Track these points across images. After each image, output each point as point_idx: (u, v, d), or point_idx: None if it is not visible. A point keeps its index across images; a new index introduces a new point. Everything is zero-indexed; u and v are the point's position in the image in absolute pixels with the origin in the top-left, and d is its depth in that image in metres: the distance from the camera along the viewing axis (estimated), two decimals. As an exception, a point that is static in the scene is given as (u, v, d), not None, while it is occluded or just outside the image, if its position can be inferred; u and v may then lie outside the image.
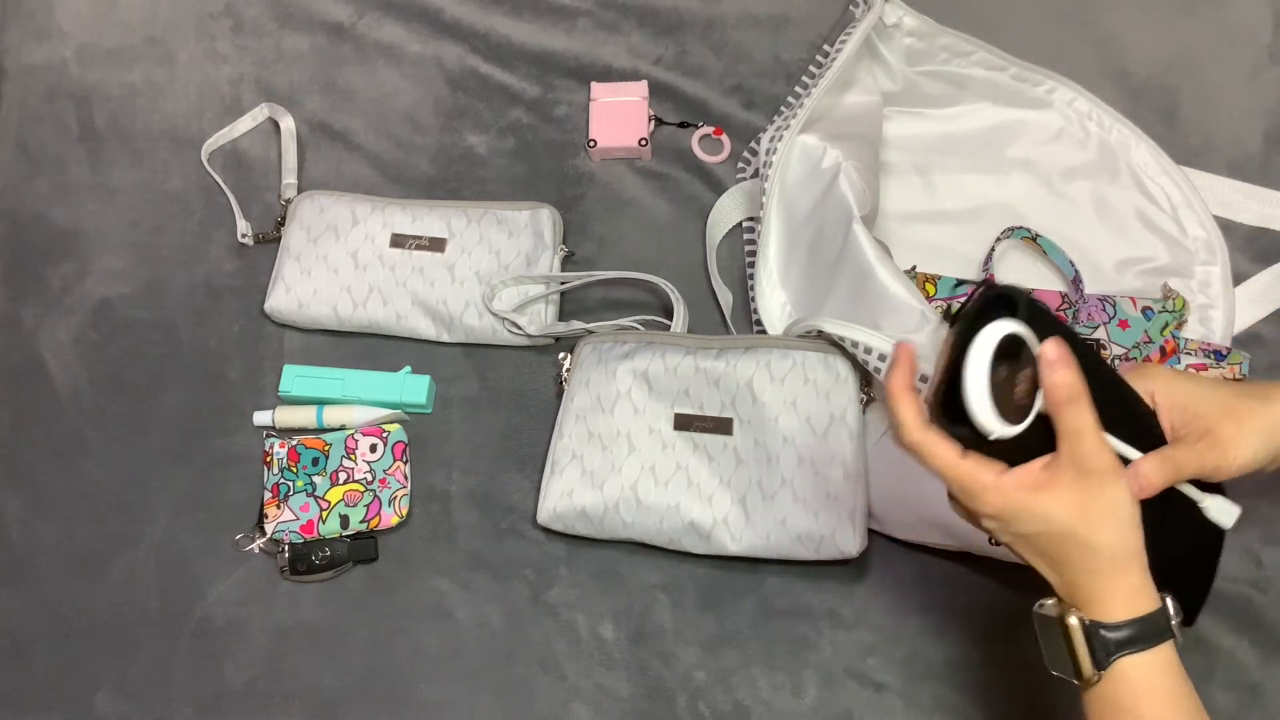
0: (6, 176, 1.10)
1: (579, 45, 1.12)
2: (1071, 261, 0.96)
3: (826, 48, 1.07)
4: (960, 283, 0.97)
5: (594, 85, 1.09)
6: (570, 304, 1.01)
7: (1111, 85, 1.07)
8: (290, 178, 1.07)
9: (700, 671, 0.87)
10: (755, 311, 0.96)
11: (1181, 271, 0.99)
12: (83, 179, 1.09)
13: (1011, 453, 0.57)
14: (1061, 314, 0.95)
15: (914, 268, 0.98)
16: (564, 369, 0.94)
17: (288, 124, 1.09)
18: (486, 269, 0.99)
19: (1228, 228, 1.00)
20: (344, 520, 0.92)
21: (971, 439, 0.56)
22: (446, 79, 1.12)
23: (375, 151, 1.09)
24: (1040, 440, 0.57)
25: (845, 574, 0.89)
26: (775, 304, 0.95)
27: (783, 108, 1.07)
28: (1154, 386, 0.65)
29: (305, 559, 0.91)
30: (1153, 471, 0.61)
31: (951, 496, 0.60)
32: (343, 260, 1.00)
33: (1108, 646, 0.55)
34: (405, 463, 0.94)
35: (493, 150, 1.09)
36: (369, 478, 0.93)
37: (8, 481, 0.97)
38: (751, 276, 0.97)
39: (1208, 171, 1.03)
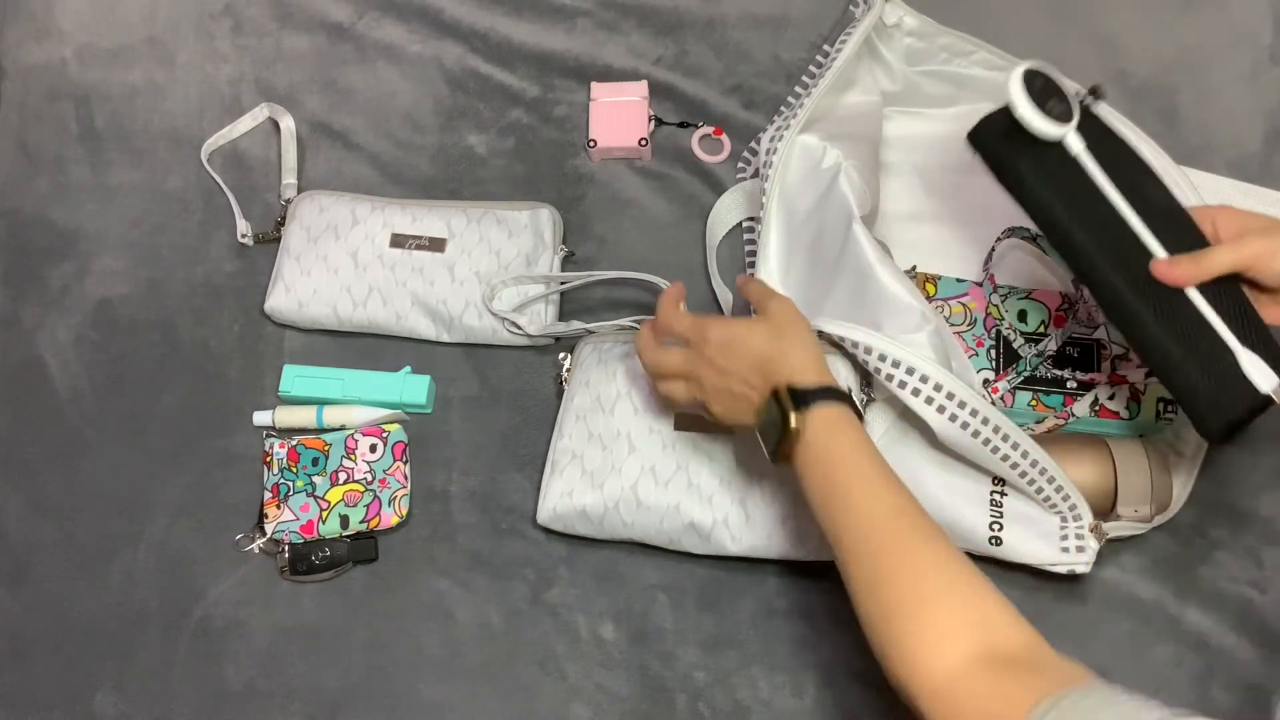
0: (6, 176, 1.10)
1: (579, 45, 1.12)
2: (1071, 261, 0.96)
3: (827, 47, 1.07)
4: (960, 281, 0.97)
5: (594, 85, 1.09)
6: (570, 304, 1.01)
7: (1111, 85, 1.07)
8: (290, 178, 1.07)
9: (700, 671, 0.87)
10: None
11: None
12: (83, 179, 1.09)
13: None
14: (1061, 314, 0.95)
15: (914, 267, 0.98)
16: (564, 369, 0.94)
17: (288, 124, 1.09)
18: (486, 269, 0.99)
19: (1228, 228, 1.00)
20: (344, 520, 0.92)
21: None
22: (446, 79, 1.12)
23: (375, 151, 1.09)
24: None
25: (845, 574, 0.89)
26: None
27: (783, 107, 1.07)
28: (1215, 215, 0.73)
29: (305, 559, 0.91)
30: (1181, 263, 0.70)
31: (661, 382, 0.79)
32: (343, 260, 1.00)
33: (807, 398, 0.70)
34: (405, 463, 0.94)
35: (493, 150, 1.09)
36: (369, 478, 0.93)
37: (8, 481, 0.97)
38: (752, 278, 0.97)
39: (1208, 171, 1.03)
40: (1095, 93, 0.74)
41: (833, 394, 0.71)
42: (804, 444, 0.70)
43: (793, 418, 0.70)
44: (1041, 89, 0.69)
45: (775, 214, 0.95)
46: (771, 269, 0.95)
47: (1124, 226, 0.71)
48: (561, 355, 0.95)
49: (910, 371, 0.80)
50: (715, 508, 0.86)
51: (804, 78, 1.05)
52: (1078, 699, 0.53)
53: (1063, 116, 0.71)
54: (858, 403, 0.73)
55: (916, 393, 0.80)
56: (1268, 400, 0.68)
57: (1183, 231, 0.72)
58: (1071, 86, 0.73)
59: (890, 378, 0.81)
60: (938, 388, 0.79)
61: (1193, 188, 1.00)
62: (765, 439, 0.73)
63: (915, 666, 0.59)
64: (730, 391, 0.75)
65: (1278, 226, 0.74)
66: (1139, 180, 0.73)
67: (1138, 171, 0.74)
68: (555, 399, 0.97)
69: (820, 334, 0.87)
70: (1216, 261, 0.71)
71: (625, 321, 0.95)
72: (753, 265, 0.97)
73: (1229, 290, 0.72)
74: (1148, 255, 0.71)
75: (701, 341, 0.76)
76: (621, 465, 0.88)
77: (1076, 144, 0.70)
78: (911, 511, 0.66)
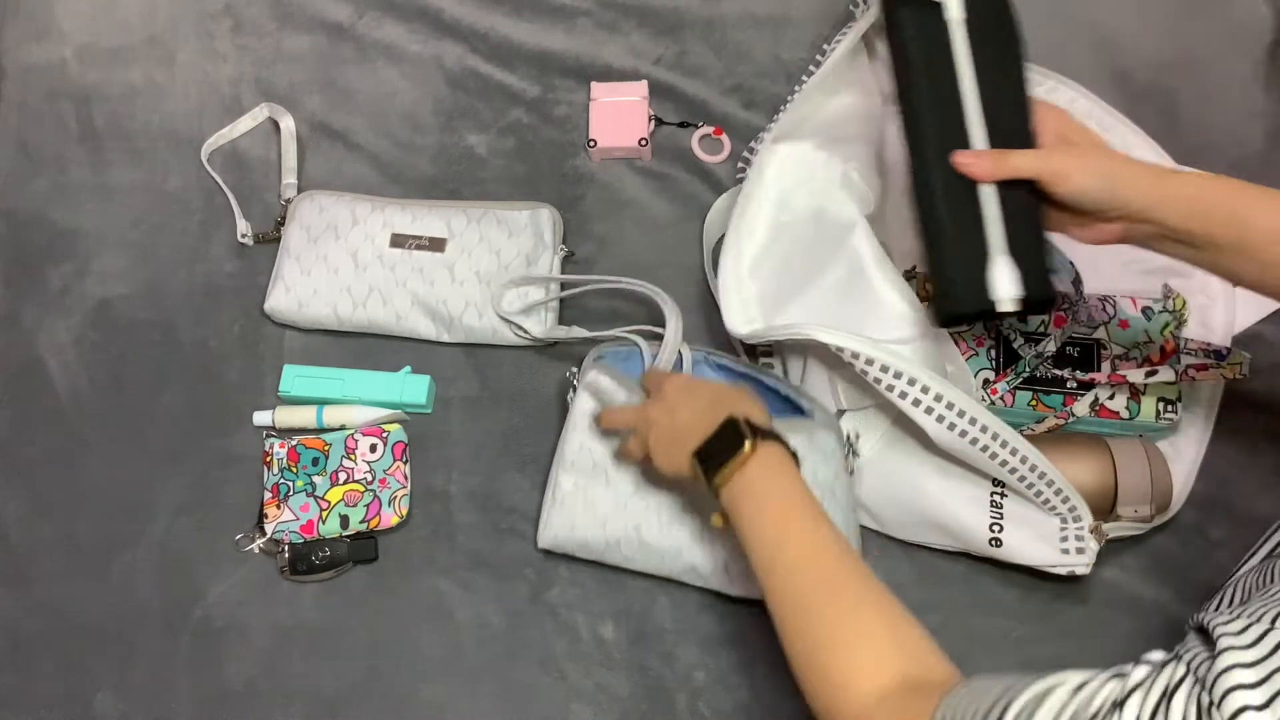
0: (6, 176, 1.10)
1: (579, 45, 1.12)
2: (1072, 262, 0.96)
3: (826, 47, 1.07)
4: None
5: (594, 85, 1.09)
6: (570, 307, 1.01)
7: (1111, 85, 1.07)
8: (290, 178, 1.07)
9: (700, 671, 0.87)
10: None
11: (1181, 271, 0.99)
12: (83, 179, 1.09)
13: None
14: (1061, 314, 0.95)
15: (914, 268, 0.98)
16: (572, 384, 0.91)
17: (288, 124, 1.09)
18: (486, 269, 0.99)
19: (1228, 228, 1.00)
20: (344, 520, 0.92)
21: None
22: (446, 79, 1.12)
23: (375, 151, 1.09)
24: None
25: (845, 574, 0.89)
26: (738, 298, 0.93)
27: (782, 107, 1.07)
28: (1045, 115, 0.74)
29: (305, 559, 0.91)
30: (983, 159, 0.73)
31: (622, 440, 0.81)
32: (343, 260, 1.00)
33: (761, 433, 0.71)
34: (405, 463, 0.94)
35: (493, 150, 1.09)
36: (369, 478, 0.93)
37: (8, 481, 0.97)
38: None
39: (1208, 171, 1.03)
40: None
41: (783, 441, 0.73)
42: (744, 474, 0.70)
43: (747, 441, 0.70)
44: None
45: (762, 212, 0.94)
46: (743, 260, 0.93)
47: (959, 107, 0.71)
48: (570, 371, 0.93)
49: (909, 381, 0.80)
50: (718, 552, 0.86)
51: (803, 78, 1.05)
52: (956, 688, 0.56)
53: None
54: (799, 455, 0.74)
55: (917, 403, 0.80)
56: (993, 308, 0.71)
57: (1015, 125, 0.72)
58: None
59: (890, 387, 0.81)
60: (935, 396, 0.80)
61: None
62: (708, 462, 0.72)
63: (840, 697, 0.60)
64: (674, 429, 0.75)
65: (1092, 147, 0.74)
66: (1002, 62, 0.72)
67: (1006, 53, 0.73)
68: (555, 399, 0.97)
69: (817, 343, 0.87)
70: (1013, 165, 0.72)
71: (621, 332, 0.93)
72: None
73: (1024, 195, 0.73)
74: (966, 141, 0.72)
75: (659, 388, 0.79)
76: (626, 502, 0.87)
77: (956, 11, 0.69)
78: (843, 550, 0.67)
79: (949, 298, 0.73)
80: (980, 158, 0.73)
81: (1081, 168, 0.71)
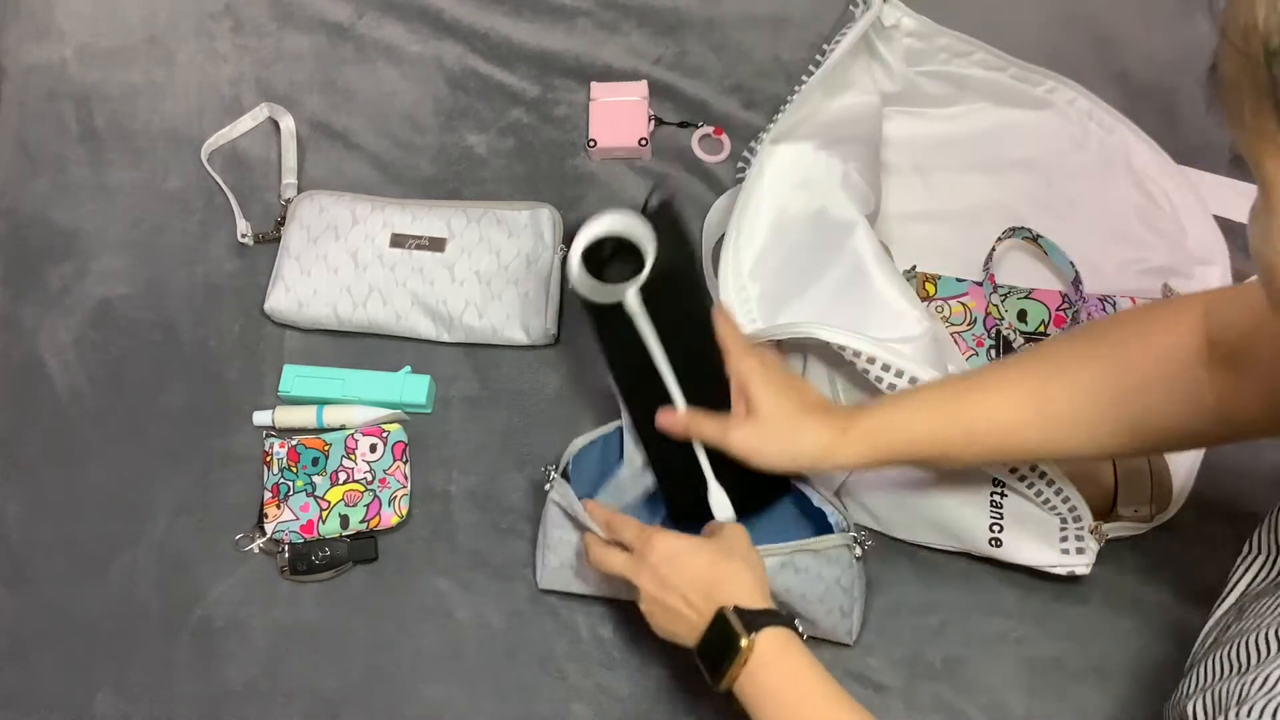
0: (6, 176, 1.10)
1: (579, 45, 1.12)
2: (1072, 262, 0.96)
3: (826, 46, 1.07)
4: (960, 281, 0.97)
5: (594, 85, 1.09)
6: (570, 304, 1.01)
7: (1111, 85, 1.07)
8: (290, 178, 1.07)
9: (700, 671, 0.87)
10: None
11: (1181, 271, 0.99)
12: (83, 179, 1.09)
13: None
14: (1061, 314, 0.95)
15: (914, 267, 0.98)
16: (547, 478, 0.86)
17: (288, 124, 1.09)
18: (486, 269, 0.99)
19: (1228, 228, 1.00)
20: (344, 520, 0.92)
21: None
22: (446, 79, 1.12)
23: (375, 151, 1.09)
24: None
25: (845, 574, 0.89)
26: (739, 298, 0.92)
27: (783, 107, 1.07)
28: (735, 370, 0.79)
29: (305, 559, 0.91)
30: (678, 423, 0.79)
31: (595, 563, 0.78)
32: (343, 260, 1.00)
33: (755, 621, 0.69)
34: (405, 463, 0.94)
35: (493, 150, 1.09)
36: (369, 478, 0.93)
37: (8, 481, 0.97)
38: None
39: (1208, 171, 1.03)
40: (662, 205, 0.79)
41: (778, 618, 0.71)
42: (750, 668, 0.69)
43: (743, 639, 0.68)
44: (613, 250, 0.76)
45: (763, 212, 0.94)
46: (742, 260, 0.93)
47: (658, 376, 0.79)
48: (545, 468, 0.87)
49: (911, 380, 0.80)
50: None
51: (803, 77, 1.05)
52: None
53: (624, 275, 0.76)
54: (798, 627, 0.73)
55: None
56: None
57: (708, 386, 0.79)
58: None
59: (892, 386, 0.81)
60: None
61: (1193, 188, 1.00)
62: (708, 662, 0.71)
63: None
64: (666, 606, 0.73)
65: (776, 419, 0.77)
66: (692, 325, 0.79)
67: (694, 314, 0.80)
68: (555, 399, 0.97)
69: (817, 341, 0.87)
70: (700, 433, 0.79)
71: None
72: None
73: None
74: (668, 402, 0.80)
75: (646, 549, 0.75)
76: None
77: (635, 304, 0.76)
78: None
79: (686, 517, 0.83)
80: (675, 422, 0.79)
81: (759, 450, 0.76)
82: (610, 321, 0.77)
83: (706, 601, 0.72)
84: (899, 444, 0.75)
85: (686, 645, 0.74)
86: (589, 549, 0.80)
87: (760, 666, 0.68)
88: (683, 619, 0.73)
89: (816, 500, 0.84)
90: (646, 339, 0.77)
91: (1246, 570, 0.71)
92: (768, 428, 0.77)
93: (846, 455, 0.76)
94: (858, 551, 0.82)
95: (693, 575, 0.73)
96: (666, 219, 0.78)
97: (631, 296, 0.76)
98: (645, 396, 0.80)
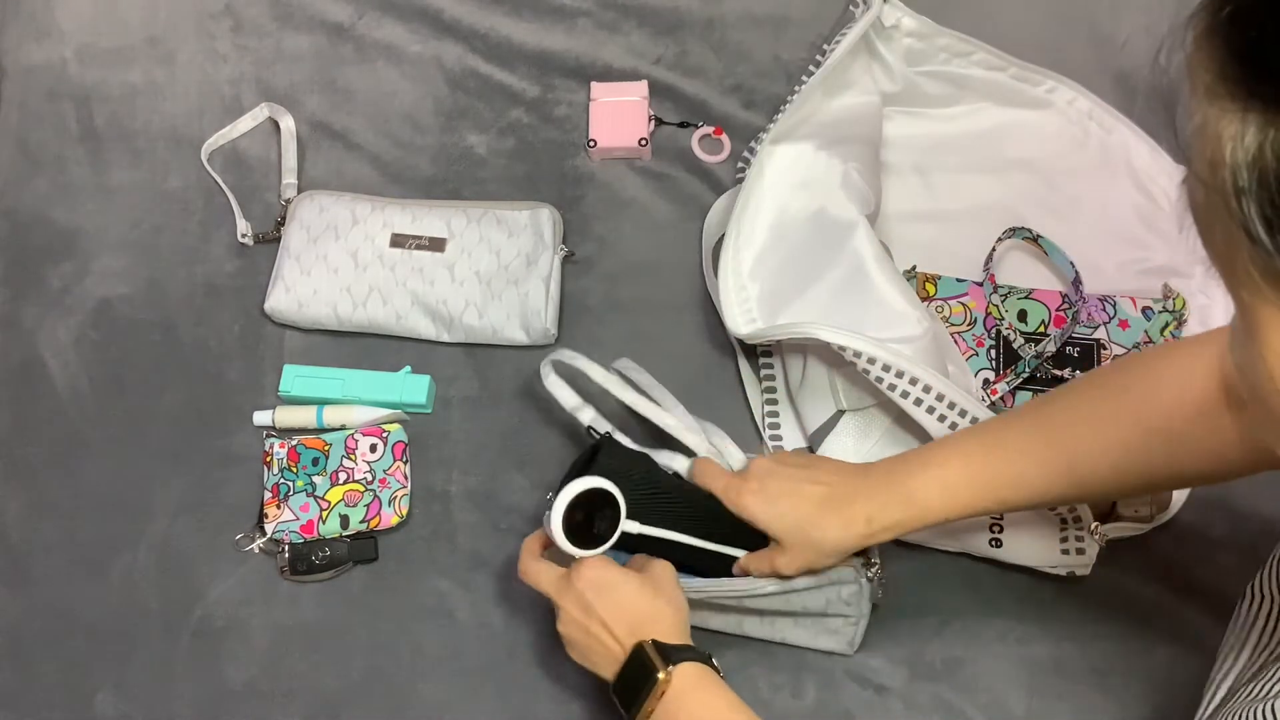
0: (6, 176, 1.10)
1: (579, 45, 1.12)
2: (1072, 263, 0.96)
3: (826, 46, 1.07)
4: (960, 281, 0.97)
5: (594, 85, 1.09)
6: (570, 305, 1.01)
7: (1111, 85, 1.07)
8: (290, 178, 1.07)
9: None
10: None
11: (1182, 271, 0.99)
12: (83, 179, 1.09)
13: None
14: (1061, 314, 0.95)
15: (914, 267, 0.98)
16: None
17: (288, 124, 1.09)
18: (486, 269, 0.99)
19: (1228, 228, 1.00)
20: (344, 520, 0.92)
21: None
22: (446, 79, 1.12)
23: (375, 151, 1.09)
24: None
25: (845, 574, 0.89)
26: (738, 298, 0.92)
27: (783, 107, 1.07)
28: (751, 508, 0.79)
29: (305, 559, 0.91)
30: (747, 563, 0.81)
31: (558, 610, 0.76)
32: (343, 260, 1.00)
33: (673, 655, 0.70)
34: (405, 463, 0.94)
35: (493, 150, 1.09)
36: (369, 478, 0.93)
37: (8, 481, 0.97)
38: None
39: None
40: (600, 444, 0.83)
41: (696, 653, 0.71)
42: (667, 702, 0.69)
43: (660, 671, 0.69)
44: (586, 509, 0.75)
45: (757, 214, 0.94)
46: (743, 259, 0.93)
47: (699, 551, 0.81)
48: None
49: (911, 380, 0.80)
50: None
51: (803, 77, 1.05)
52: None
53: (609, 516, 0.76)
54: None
55: (919, 402, 0.80)
56: None
57: (740, 525, 0.80)
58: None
59: (892, 386, 0.81)
60: (937, 395, 0.80)
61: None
62: (624, 696, 0.72)
63: None
64: (588, 632, 0.73)
65: (793, 538, 0.78)
66: (685, 501, 0.81)
67: (680, 493, 0.82)
68: (555, 399, 0.97)
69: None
70: (758, 571, 0.80)
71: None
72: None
73: None
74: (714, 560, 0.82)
75: (577, 569, 0.74)
76: None
77: (633, 528, 0.77)
78: None
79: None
80: (748, 564, 0.81)
81: (812, 565, 0.78)
82: (631, 545, 0.79)
83: (629, 634, 0.72)
84: (931, 524, 0.76)
85: (602, 676, 0.74)
86: (521, 558, 0.78)
87: (676, 699, 0.69)
88: (601, 648, 0.73)
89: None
90: (664, 537, 0.79)
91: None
92: (797, 553, 0.78)
93: (879, 540, 0.77)
94: (868, 573, 0.81)
95: (617, 606, 0.72)
96: (611, 455, 0.81)
97: (629, 527, 0.77)
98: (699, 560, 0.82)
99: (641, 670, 0.70)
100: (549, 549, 0.78)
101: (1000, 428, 0.76)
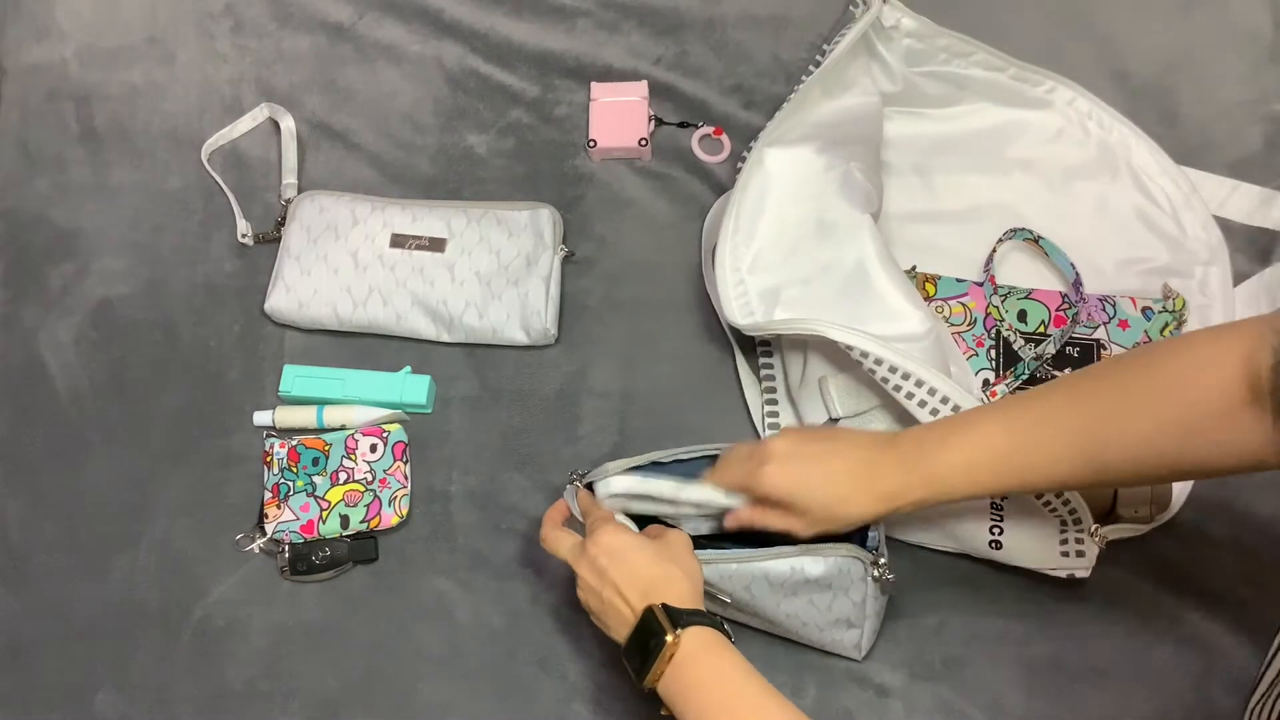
0: (6, 176, 1.10)
1: (579, 45, 1.12)
2: (1073, 264, 0.96)
3: (825, 47, 1.07)
4: (960, 281, 0.97)
5: (594, 85, 1.09)
6: (570, 305, 1.01)
7: (1111, 85, 1.07)
8: (290, 178, 1.07)
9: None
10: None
11: (1181, 271, 0.99)
12: (83, 179, 1.09)
13: None
14: (1061, 314, 0.95)
15: (914, 267, 0.98)
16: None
17: (288, 124, 1.09)
18: (486, 269, 0.99)
19: (1227, 228, 1.00)
20: (344, 520, 0.92)
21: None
22: (446, 79, 1.12)
23: (375, 151, 1.09)
24: None
25: (845, 574, 0.89)
26: (736, 291, 0.92)
27: (782, 108, 1.07)
28: (772, 486, 0.78)
29: (305, 559, 0.91)
30: (743, 514, 0.80)
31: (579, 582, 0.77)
32: (343, 260, 1.00)
33: (682, 618, 0.70)
34: (405, 463, 0.94)
35: (493, 150, 1.09)
36: (369, 478, 0.93)
37: (8, 481, 0.97)
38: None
39: (1208, 171, 1.03)
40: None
41: (707, 617, 0.72)
42: (677, 665, 0.69)
43: (669, 635, 0.69)
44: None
45: (756, 214, 0.94)
46: (742, 256, 0.93)
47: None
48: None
49: (917, 382, 0.80)
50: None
51: (803, 77, 1.05)
52: None
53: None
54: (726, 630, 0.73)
55: (923, 404, 0.80)
56: None
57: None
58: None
59: (898, 387, 0.81)
60: (942, 398, 0.80)
61: (1193, 188, 1.00)
62: (634, 660, 0.72)
63: None
64: (601, 597, 0.74)
65: (810, 511, 0.78)
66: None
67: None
68: (555, 399, 0.97)
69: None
70: (765, 523, 0.80)
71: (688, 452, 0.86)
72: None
73: None
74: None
75: (592, 536, 0.76)
76: None
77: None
78: None
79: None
80: (737, 518, 0.81)
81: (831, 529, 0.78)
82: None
83: (640, 599, 0.72)
84: (953, 501, 0.76)
85: (615, 639, 0.75)
86: (544, 526, 0.81)
87: (685, 661, 0.69)
88: (615, 613, 0.74)
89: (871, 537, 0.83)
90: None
91: None
92: (815, 521, 0.77)
93: (900, 513, 0.77)
94: (874, 572, 0.81)
95: (630, 572, 0.74)
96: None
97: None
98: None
99: (651, 633, 0.70)
100: (569, 519, 0.81)
101: (1025, 408, 0.75)
